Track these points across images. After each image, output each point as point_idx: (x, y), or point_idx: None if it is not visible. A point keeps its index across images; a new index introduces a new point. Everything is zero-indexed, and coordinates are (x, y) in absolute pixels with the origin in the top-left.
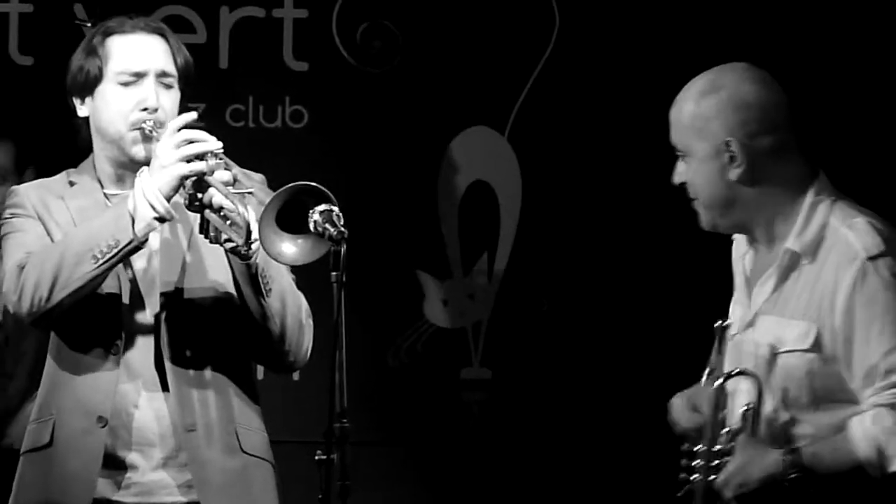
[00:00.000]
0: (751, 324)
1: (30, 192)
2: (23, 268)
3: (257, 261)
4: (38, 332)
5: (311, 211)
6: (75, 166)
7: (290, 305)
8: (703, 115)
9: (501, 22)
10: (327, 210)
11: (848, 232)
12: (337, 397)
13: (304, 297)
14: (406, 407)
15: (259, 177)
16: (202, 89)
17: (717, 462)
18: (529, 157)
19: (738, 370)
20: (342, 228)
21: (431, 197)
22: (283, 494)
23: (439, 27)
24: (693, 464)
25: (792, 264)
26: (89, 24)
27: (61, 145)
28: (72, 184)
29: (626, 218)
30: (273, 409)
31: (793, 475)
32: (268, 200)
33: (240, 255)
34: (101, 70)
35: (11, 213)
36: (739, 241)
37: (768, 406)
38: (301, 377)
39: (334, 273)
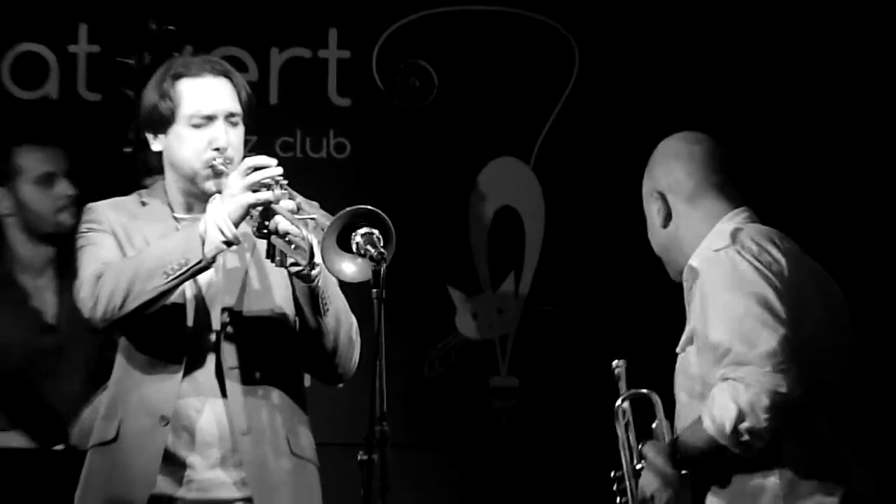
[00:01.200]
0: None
1: (106, 210)
2: (99, 277)
3: (319, 282)
4: (92, 338)
5: (353, 234)
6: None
7: (343, 323)
8: (646, 179)
9: (526, 62)
10: (368, 232)
11: (712, 236)
12: (377, 403)
13: (354, 318)
14: (440, 412)
15: (315, 204)
16: (254, 123)
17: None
18: (552, 185)
19: (630, 392)
20: (382, 249)
21: (463, 221)
22: (325, 493)
23: (470, 67)
24: (620, 486)
25: (692, 278)
26: (131, 62)
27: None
28: (144, 204)
29: (640, 240)
30: (319, 414)
31: (681, 470)
32: (329, 223)
33: (303, 277)
34: (173, 112)
35: (88, 228)
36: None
37: (683, 407)
38: (345, 385)
39: (375, 290)
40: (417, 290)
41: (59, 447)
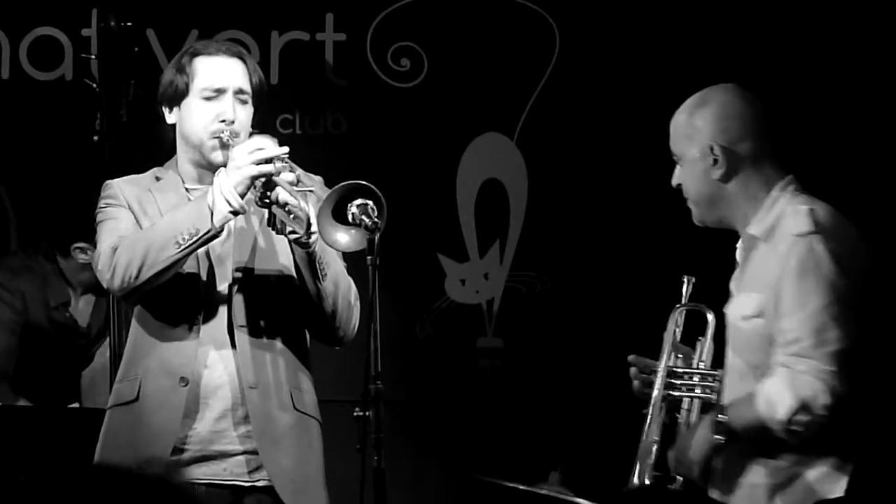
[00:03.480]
0: (729, 303)
1: (122, 186)
2: (115, 250)
3: (316, 248)
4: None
5: (348, 205)
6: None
7: (342, 288)
8: (694, 124)
9: (510, 43)
10: (363, 203)
11: (793, 216)
12: (372, 362)
13: (353, 282)
14: (431, 371)
15: (318, 178)
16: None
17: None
18: (535, 159)
19: (688, 305)
20: (376, 219)
21: (451, 192)
22: (325, 447)
23: (458, 49)
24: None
25: (751, 246)
26: (93, 57)
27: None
28: (158, 179)
29: (620, 210)
30: (320, 373)
31: (722, 438)
32: (325, 196)
33: (301, 244)
34: (187, 86)
35: (106, 203)
36: (741, 238)
37: (733, 371)
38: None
39: (369, 257)
40: (409, 257)
41: (75, 405)
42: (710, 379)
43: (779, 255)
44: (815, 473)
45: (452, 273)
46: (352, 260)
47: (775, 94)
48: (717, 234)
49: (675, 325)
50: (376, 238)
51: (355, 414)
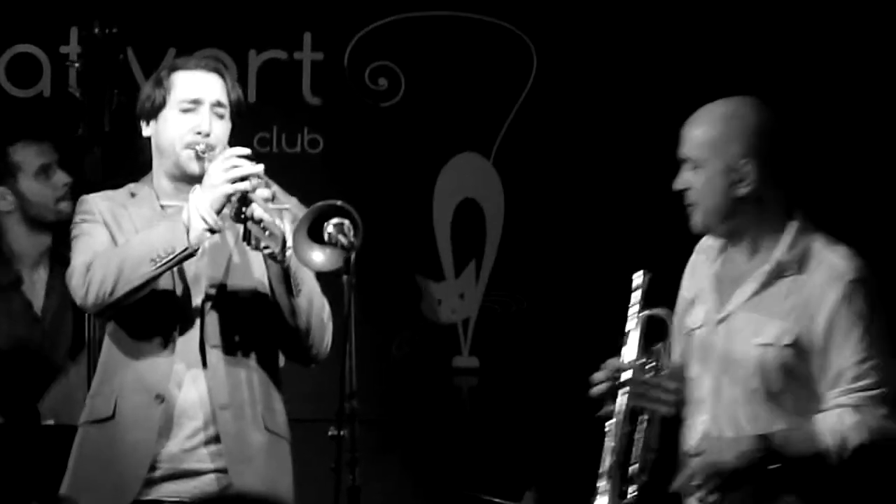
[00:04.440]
0: (723, 320)
1: (98, 201)
2: (89, 266)
3: (290, 264)
4: (73, 330)
5: (325, 224)
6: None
7: (315, 305)
8: (724, 136)
9: (486, 63)
10: (339, 223)
11: (834, 255)
12: (347, 381)
13: (326, 301)
14: (406, 390)
15: (293, 200)
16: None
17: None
18: (511, 179)
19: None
20: (352, 239)
21: (427, 212)
22: (297, 467)
23: (435, 68)
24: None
25: (778, 273)
26: (77, 65)
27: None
28: (133, 195)
29: (596, 230)
30: (293, 391)
31: (761, 457)
32: (301, 216)
33: (275, 260)
34: (164, 98)
35: (81, 219)
36: (706, 250)
37: (727, 393)
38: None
39: (345, 276)
40: (386, 276)
41: (50, 422)
42: (676, 379)
43: (825, 291)
44: None
45: (428, 293)
46: (328, 279)
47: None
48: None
49: (639, 327)
50: (352, 257)
51: (330, 433)
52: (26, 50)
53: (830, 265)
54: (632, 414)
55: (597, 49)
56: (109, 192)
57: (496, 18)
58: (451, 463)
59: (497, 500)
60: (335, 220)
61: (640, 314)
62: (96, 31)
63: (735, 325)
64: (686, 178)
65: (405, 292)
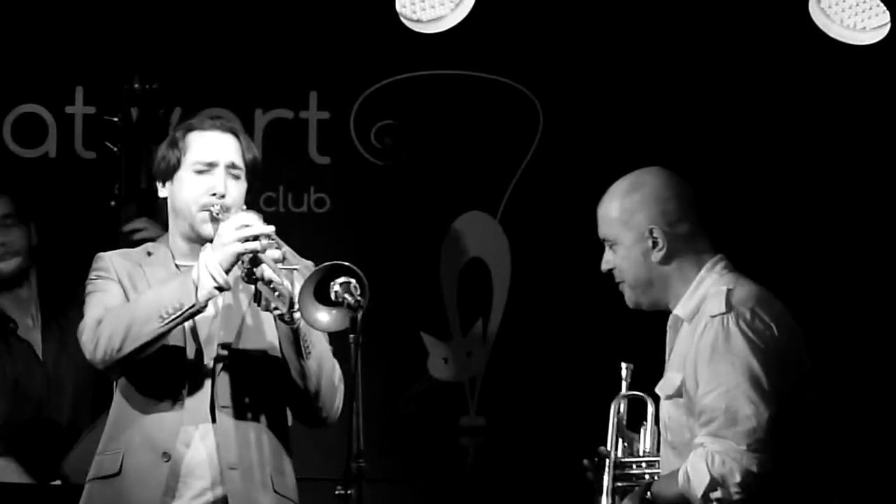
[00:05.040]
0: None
1: (114, 259)
2: (100, 322)
3: (300, 326)
4: (81, 374)
5: (331, 283)
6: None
7: (326, 368)
8: (629, 209)
9: (493, 122)
10: (346, 282)
11: (713, 296)
12: (354, 440)
13: (337, 364)
14: (413, 449)
15: (308, 262)
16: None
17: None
18: (518, 238)
19: (629, 393)
20: (358, 297)
21: (434, 271)
22: None
23: (441, 127)
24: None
25: (676, 327)
26: (116, 120)
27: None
28: (149, 254)
29: (601, 289)
30: (300, 450)
31: None
32: (307, 275)
33: (285, 321)
34: (179, 160)
35: (97, 276)
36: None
37: (667, 447)
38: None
39: (352, 335)
40: (392, 335)
41: (57, 482)
42: (656, 465)
43: (696, 335)
44: None
45: (435, 351)
46: (335, 338)
47: (756, 166)
48: None
49: (615, 413)
50: (359, 316)
51: (337, 492)
52: (31, 110)
53: (707, 308)
54: (622, 493)
55: (603, 107)
56: (127, 251)
57: (502, 77)
58: None
59: None
60: (341, 280)
61: (618, 399)
62: (136, 86)
63: (659, 385)
64: (608, 259)
65: (412, 351)
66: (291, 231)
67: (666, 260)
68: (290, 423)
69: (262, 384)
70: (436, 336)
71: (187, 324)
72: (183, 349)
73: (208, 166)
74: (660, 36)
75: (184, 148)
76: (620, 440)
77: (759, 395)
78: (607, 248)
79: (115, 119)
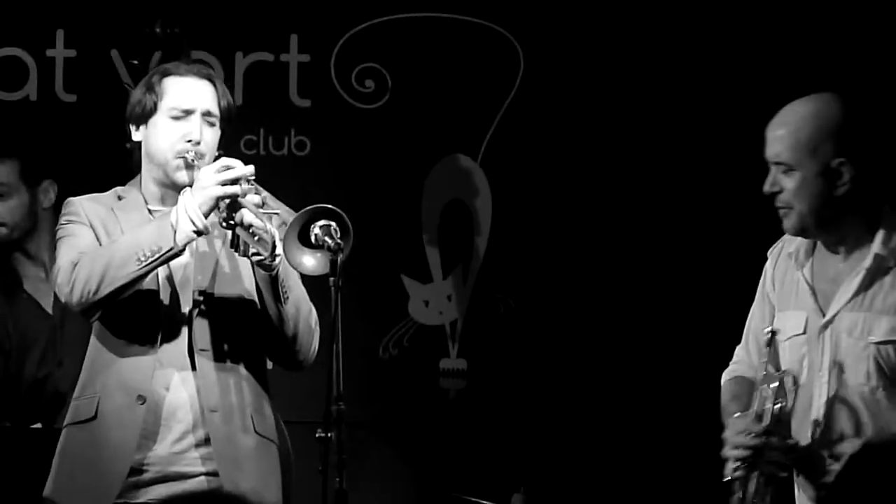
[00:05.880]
0: (828, 324)
1: (84, 203)
2: (76, 265)
3: (279, 272)
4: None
5: (311, 226)
6: (102, 190)
7: (303, 312)
8: (817, 137)
9: (473, 65)
10: (326, 224)
11: None
12: (334, 383)
13: (314, 307)
14: (394, 392)
15: (284, 206)
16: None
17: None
18: (498, 180)
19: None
20: (338, 241)
21: (415, 213)
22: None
23: (422, 70)
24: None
25: (879, 268)
26: (136, 63)
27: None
28: (120, 198)
29: (584, 231)
30: (280, 394)
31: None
32: (291, 220)
33: (264, 267)
34: (155, 104)
35: (67, 220)
36: (791, 255)
37: (843, 395)
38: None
39: (332, 278)
40: (372, 277)
41: (37, 426)
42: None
43: None
44: None
45: (416, 294)
46: (314, 281)
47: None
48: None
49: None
50: (339, 259)
51: (317, 435)
52: (12, 53)
53: None
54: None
55: (584, 49)
56: (97, 195)
57: (483, 20)
58: (439, 465)
59: (485, 502)
60: (321, 223)
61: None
62: (157, 29)
63: (842, 327)
64: (778, 182)
65: (392, 294)
66: (272, 174)
67: (848, 194)
68: (269, 366)
69: (239, 328)
70: (416, 279)
71: (162, 270)
72: (157, 295)
73: (184, 113)
74: None
75: (160, 93)
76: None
77: None
78: (777, 171)
79: (136, 62)
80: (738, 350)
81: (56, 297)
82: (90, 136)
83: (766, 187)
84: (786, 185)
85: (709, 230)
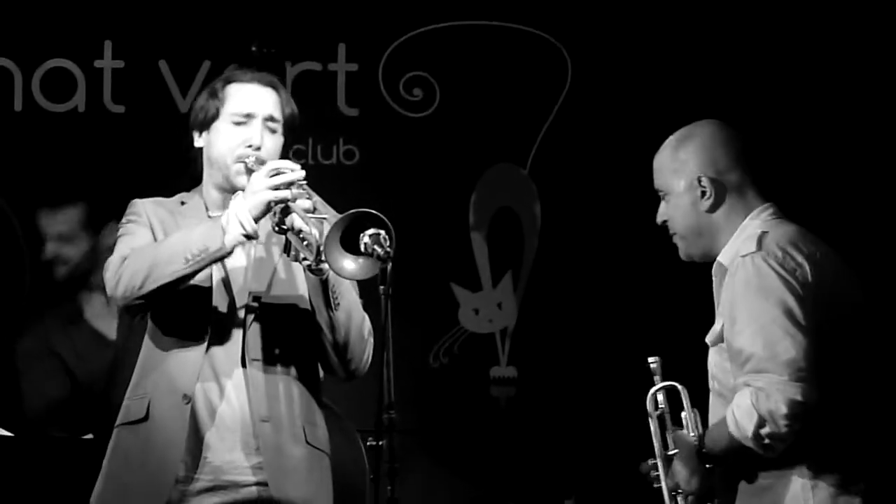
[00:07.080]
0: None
1: (147, 205)
2: (125, 260)
3: (329, 276)
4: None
5: (361, 234)
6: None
7: (355, 319)
8: (679, 158)
9: (521, 72)
10: (375, 233)
11: (746, 240)
12: (386, 392)
13: (367, 316)
14: (444, 400)
15: (336, 213)
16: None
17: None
18: (547, 189)
19: (661, 385)
20: (388, 249)
21: (464, 222)
22: (338, 477)
23: (470, 78)
24: (654, 473)
25: (721, 275)
26: (265, 51)
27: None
28: (182, 203)
29: (629, 238)
30: (333, 403)
31: (707, 464)
32: (332, 223)
33: (313, 272)
34: (218, 110)
35: (128, 220)
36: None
37: (715, 396)
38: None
39: (382, 287)
40: (423, 286)
41: (89, 436)
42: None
43: (730, 277)
44: (800, 482)
45: (466, 302)
46: (365, 290)
47: (791, 112)
48: None
49: (654, 408)
50: (389, 267)
51: (368, 443)
52: (61, 64)
53: (740, 250)
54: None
55: (632, 56)
56: (161, 199)
57: (531, 27)
58: (490, 472)
59: None
60: (371, 231)
61: (651, 395)
62: (254, 49)
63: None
64: (662, 211)
65: (443, 303)
66: (321, 183)
67: (714, 208)
68: (321, 375)
69: (292, 336)
70: (466, 287)
71: (218, 273)
72: (211, 295)
73: (246, 118)
74: None
75: (223, 98)
76: (668, 436)
77: (795, 327)
78: (662, 201)
79: (265, 50)
80: None
81: (119, 322)
82: (138, 147)
83: (657, 219)
84: (667, 212)
85: None
